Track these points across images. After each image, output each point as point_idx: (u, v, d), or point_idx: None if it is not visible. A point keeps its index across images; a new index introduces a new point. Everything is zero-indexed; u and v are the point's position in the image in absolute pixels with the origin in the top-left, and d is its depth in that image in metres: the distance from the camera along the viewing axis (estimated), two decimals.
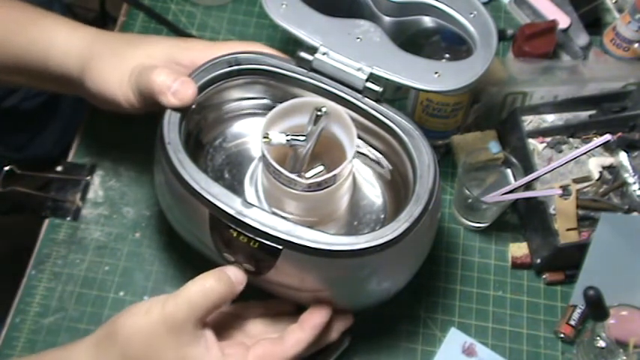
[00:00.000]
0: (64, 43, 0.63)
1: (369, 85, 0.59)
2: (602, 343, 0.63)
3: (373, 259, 0.54)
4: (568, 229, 0.70)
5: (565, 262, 0.72)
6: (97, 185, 0.76)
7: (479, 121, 0.80)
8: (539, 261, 0.72)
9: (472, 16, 0.63)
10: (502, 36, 0.87)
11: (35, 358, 0.61)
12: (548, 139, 0.76)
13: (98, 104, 0.65)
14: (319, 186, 0.58)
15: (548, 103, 0.78)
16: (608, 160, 0.75)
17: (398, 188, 0.63)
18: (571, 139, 0.77)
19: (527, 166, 0.71)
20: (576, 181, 0.74)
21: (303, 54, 0.61)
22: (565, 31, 0.86)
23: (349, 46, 0.61)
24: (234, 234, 0.54)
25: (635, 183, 0.75)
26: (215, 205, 0.53)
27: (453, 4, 0.64)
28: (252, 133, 0.68)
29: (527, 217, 0.75)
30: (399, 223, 0.54)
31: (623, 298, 0.64)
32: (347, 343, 0.66)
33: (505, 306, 0.72)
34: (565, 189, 0.71)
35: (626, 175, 0.75)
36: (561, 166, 0.66)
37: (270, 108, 0.60)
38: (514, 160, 0.71)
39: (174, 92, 0.57)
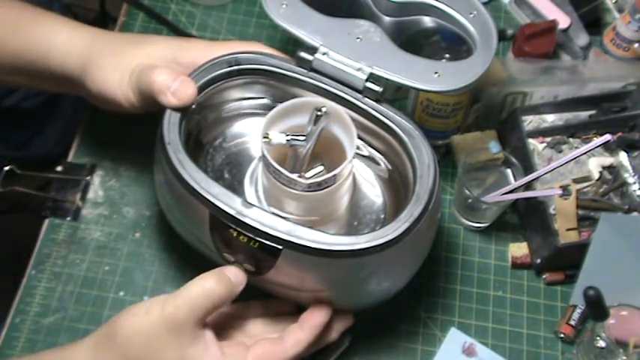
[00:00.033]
0: (65, 43, 0.63)
1: (369, 85, 0.59)
2: (602, 343, 0.63)
3: (373, 259, 0.54)
4: (568, 229, 0.70)
5: (565, 262, 0.72)
6: (97, 185, 0.76)
7: (479, 121, 0.80)
8: (539, 261, 0.72)
9: (472, 16, 0.63)
10: (502, 36, 0.87)
11: (35, 358, 0.61)
12: (548, 139, 0.76)
13: (98, 104, 0.65)
14: (319, 186, 0.58)
15: (548, 103, 0.78)
16: (608, 160, 0.75)
17: (398, 188, 0.63)
18: (571, 139, 0.77)
19: (527, 166, 0.71)
20: (576, 181, 0.74)
21: (303, 54, 0.61)
22: (565, 31, 0.86)
23: (349, 46, 0.61)
24: (234, 234, 0.54)
25: (635, 183, 0.75)
26: (215, 205, 0.53)
27: (453, 4, 0.64)
28: (252, 133, 0.68)
29: (527, 217, 0.75)
30: (399, 223, 0.54)
31: (623, 298, 0.64)
32: (347, 343, 0.66)
33: (505, 306, 0.72)
34: (565, 189, 0.71)
35: (626, 175, 0.75)
36: (561, 166, 0.66)
37: (270, 108, 0.60)
38: (514, 160, 0.71)
39: (174, 92, 0.57)
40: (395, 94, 0.81)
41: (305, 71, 0.61)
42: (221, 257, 0.57)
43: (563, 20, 0.85)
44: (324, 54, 0.60)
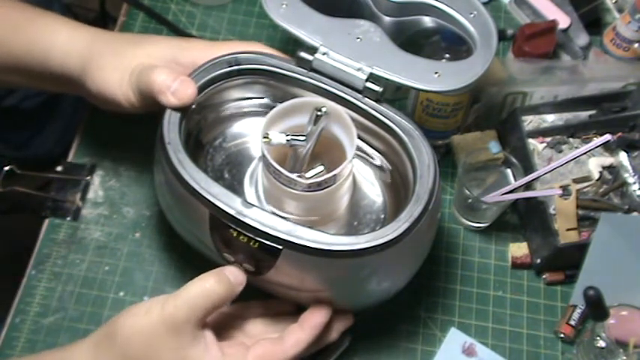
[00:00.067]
0: (65, 43, 0.63)
1: (369, 85, 0.59)
2: (602, 343, 0.63)
3: (373, 259, 0.54)
4: (568, 229, 0.70)
5: (565, 262, 0.72)
6: (97, 185, 0.76)
7: (479, 121, 0.80)
8: (539, 261, 0.72)
9: (472, 16, 0.63)
10: (502, 36, 0.87)
11: (35, 358, 0.61)
12: (548, 139, 0.76)
13: (98, 104, 0.65)
14: (319, 186, 0.58)
15: (548, 103, 0.78)
16: (608, 160, 0.75)
17: (398, 188, 0.63)
18: (571, 139, 0.77)
19: (527, 166, 0.71)
20: (576, 181, 0.74)
21: (303, 54, 0.61)
22: (565, 31, 0.86)
23: (349, 46, 0.61)
24: (234, 234, 0.54)
25: (635, 183, 0.75)
26: (215, 205, 0.53)
27: (453, 4, 0.64)
28: (252, 133, 0.68)
29: (527, 217, 0.75)
30: (399, 223, 0.54)
31: (623, 298, 0.64)
32: (347, 343, 0.66)
33: (505, 306, 0.72)
34: (565, 189, 0.71)
35: (626, 175, 0.75)
36: (561, 166, 0.66)
37: (270, 108, 0.60)
38: (514, 160, 0.71)
39: (174, 92, 0.57)
40: (395, 94, 0.81)
41: (305, 71, 0.61)
42: (221, 257, 0.57)
43: (563, 20, 0.85)
44: (324, 54, 0.60)
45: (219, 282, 0.54)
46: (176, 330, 0.53)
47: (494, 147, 0.73)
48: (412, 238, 0.54)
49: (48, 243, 0.72)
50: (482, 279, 0.73)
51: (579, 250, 0.68)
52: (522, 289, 0.73)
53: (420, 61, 0.60)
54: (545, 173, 0.68)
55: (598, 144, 0.64)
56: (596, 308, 0.62)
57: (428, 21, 0.67)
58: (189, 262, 0.70)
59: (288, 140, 0.58)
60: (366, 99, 0.60)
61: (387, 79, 0.60)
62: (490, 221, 0.75)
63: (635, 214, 0.73)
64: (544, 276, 0.73)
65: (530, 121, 0.77)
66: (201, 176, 0.55)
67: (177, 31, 0.86)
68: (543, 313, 0.72)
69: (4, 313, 0.69)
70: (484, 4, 0.67)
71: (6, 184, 0.68)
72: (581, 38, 0.86)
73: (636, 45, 0.84)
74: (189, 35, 0.86)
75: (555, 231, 0.69)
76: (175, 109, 0.58)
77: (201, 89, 0.59)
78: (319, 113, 0.59)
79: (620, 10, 0.90)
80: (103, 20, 1.06)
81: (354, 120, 0.59)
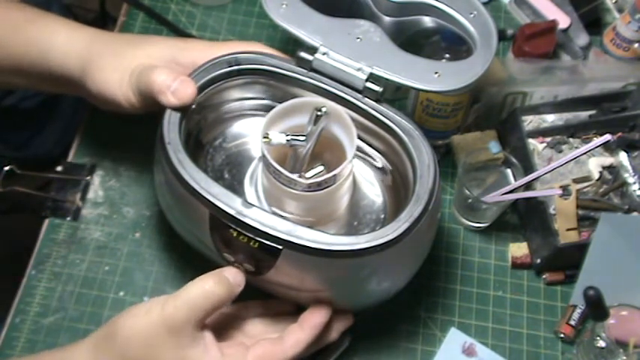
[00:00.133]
0: (64, 44, 0.63)
1: (369, 85, 0.59)
2: (602, 343, 0.63)
3: (373, 259, 0.54)
4: (568, 229, 0.70)
5: (565, 262, 0.72)
6: (97, 185, 0.76)
7: (479, 121, 0.80)
8: (539, 261, 0.72)
9: (472, 16, 0.63)
10: (502, 36, 0.87)
11: (35, 359, 0.61)
12: (548, 139, 0.76)
13: (98, 104, 0.65)
14: (319, 186, 0.58)
15: (548, 103, 0.78)
16: (608, 160, 0.75)
17: (398, 188, 0.63)
18: (571, 139, 0.77)
19: (527, 166, 0.71)
20: (576, 181, 0.74)
21: (303, 54, 0.61)
22: (565, 31, 0.86)
23: (349, 46, 0.61)
24: (234, 234, 0.54)
25: (635, 183, 0.75)
26: (215, 205, 0.53)
27: (453, 4, 0.64)
28: (252, 133, 0.68)
29: (527, 217, 0.75)
30: (399, 223, 0.54)
31: (623, 298, 0.64)
32: (347, 343, 0.66)
33: (505, 306, 0.72)
34: (565, 189, 0.71)
35: (626, 175, 0.75)
36: (561, 166, 0.66)
37: (270, 108, 0.60)
38: (514, 160, 0.71)
39: (174, 92, 0.57)
40: (395, 94, 0.81)
41: (305, 71, 0.61)
42: (221, 257, 0.57)
43: (563, 20, 0.85)
44: (324, 54, 0.60)
45: (219, 283, 0.54)
46: (176, 331, 0.53)
47: (494, 147, 0.73)
48: (412, 238, 0.54)
49: (48, 243, 0.72)
50: (482, 279, 0.73)
51: (579, 250, 0.68)
52: (522, 289, 0.73)
53: (420, 61, 0.60)
54: (545, 173, 0.68)
55: (598, 144, 0.64)
56: (596, 308, 0.62)
57: (428, 21, 0.67)
58: (189, 262, 0.70)
59: (288, 140, 0.58)
60: (366, 99, 0.60)
61: (387, 79, 0.60)
62: (490, 221, 0.75)
63: (635, 214, 0.73)
64: (544, 276, 0.73)
65: (530, 121, 0.77)
66: (201, 176, 0.55)
67: (177, 31, 0.86)
68: (543, 313, 0.72)
69: (4, 313, 0.69)
70: (484, 4, 0.67)
71: (6, 184, 0.68)
72: (581, 38, 0.86)
73: (636, 45, 0.84)
74: (189, 35, 0.86)
75: (555, 231, 0.69)
76: (175, 109, 0.58)
77: (201, 89, 0.59)
78: (319, 113, 0.59)
79: (620, 10, 0.90)
80: (103, 20, 1.06)
81: (354, 120, 0.59)
